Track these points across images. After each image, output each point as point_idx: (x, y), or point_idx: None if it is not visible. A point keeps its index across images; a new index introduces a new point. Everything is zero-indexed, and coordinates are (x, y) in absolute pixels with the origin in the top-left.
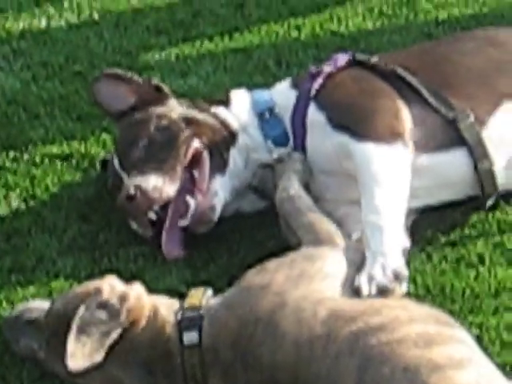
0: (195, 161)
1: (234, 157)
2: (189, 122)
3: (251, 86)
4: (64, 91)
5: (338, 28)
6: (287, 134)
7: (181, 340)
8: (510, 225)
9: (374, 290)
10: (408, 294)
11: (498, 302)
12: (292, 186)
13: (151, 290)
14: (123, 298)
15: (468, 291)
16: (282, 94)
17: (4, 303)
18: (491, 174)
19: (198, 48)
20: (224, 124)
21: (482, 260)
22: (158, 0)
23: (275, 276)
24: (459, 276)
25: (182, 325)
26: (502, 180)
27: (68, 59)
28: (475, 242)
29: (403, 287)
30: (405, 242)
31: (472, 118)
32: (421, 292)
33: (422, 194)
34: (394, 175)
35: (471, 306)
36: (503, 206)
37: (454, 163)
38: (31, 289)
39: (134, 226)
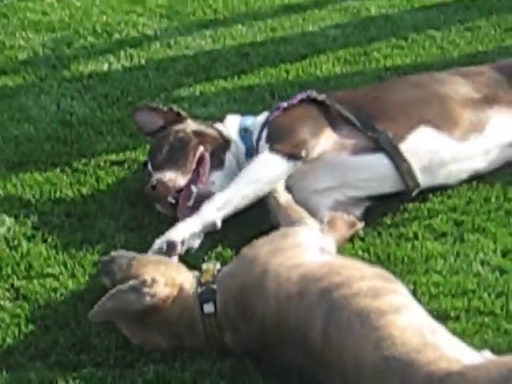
0: (200, 161)
1: (229, 158)
2: (197, 134)
3: (253, 113)
4: (120, 116)
5: (314, 71)
6: (254, 149)
7: (202, 310)
8: (436, 211)
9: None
10: (363, 260)
11: (428, 266)
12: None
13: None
14: (153, 294)
15: (406, 258)
16: (259, 120)
17: (77, 266)
18: (411, 174)
19: (215, 85)
20: (221, 134)
21: (416, 236)
22: (187, 51)
23: (260, 250)
24: (400, 247)
25: (202, 298)
26: (422, 179)
27: (123, 93)
28: (411, 223)
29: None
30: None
31: (390, 135)
32: (373, 259)
33: (362, 186)
34: (261, 180)
35: (408, 268)
36: (431, 198)
37: (379, 163)
38: (96, 256)
39: (158, 208)
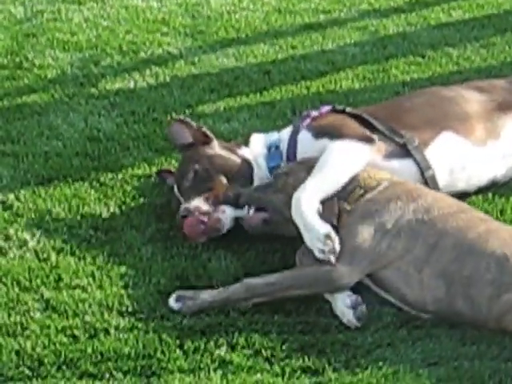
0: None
1: (255, 181)
2: (221, 165)
3: (274, 128)
4: (146, 132)
5: (334, 88)
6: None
7: None
8: None
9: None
10: None
11: None
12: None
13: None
14: None
15: None
16: (285, 135)
17: (104, 277)
18: (434, 180)
19: (238, 102)
20: (244, 160)
21: None
22: (210, 69)
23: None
24: None
25: None
26: (443, 184)
27: (149, 109)
28: None
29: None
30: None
31: (417, 143)
32: None
33: None
34: (343, 165)
35: None
36: None
37: (408, 168)
38: (123, 268)
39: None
